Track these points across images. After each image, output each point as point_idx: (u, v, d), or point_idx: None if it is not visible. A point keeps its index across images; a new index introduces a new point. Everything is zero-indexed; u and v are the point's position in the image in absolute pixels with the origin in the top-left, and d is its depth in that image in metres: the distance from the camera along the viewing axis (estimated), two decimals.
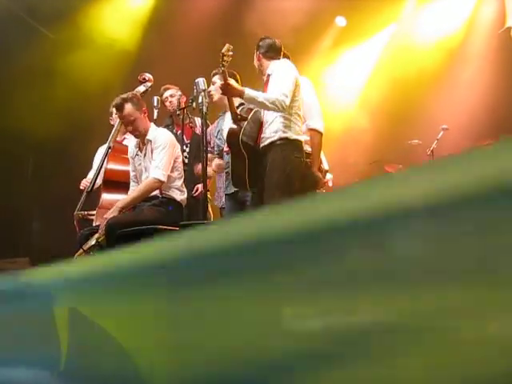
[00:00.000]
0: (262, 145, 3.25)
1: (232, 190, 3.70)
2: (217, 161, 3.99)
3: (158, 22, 6.54)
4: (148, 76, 4.34)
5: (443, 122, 5.53)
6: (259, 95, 3.11)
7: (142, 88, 4.25)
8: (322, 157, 3.61)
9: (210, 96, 3.80)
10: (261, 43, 3.39)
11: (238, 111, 3.39)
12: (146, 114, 3.58)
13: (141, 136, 3.60)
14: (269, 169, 3.15)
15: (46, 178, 6.40)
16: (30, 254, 6.46)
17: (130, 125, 3.54)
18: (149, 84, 4.29)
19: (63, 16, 5.97)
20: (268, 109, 3.15)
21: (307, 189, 3.26)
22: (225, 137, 3.51)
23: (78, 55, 6.05)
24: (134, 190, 3.59)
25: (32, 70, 5.85)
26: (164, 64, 5.88)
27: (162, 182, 3.48)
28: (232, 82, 3.23)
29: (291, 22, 6.50)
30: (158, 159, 3.48)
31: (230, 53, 3.16)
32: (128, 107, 3.50)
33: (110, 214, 3.39)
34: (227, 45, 3.16)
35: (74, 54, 6.05)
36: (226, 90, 3.15)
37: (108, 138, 4.07)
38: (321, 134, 3.47)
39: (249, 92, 3.10)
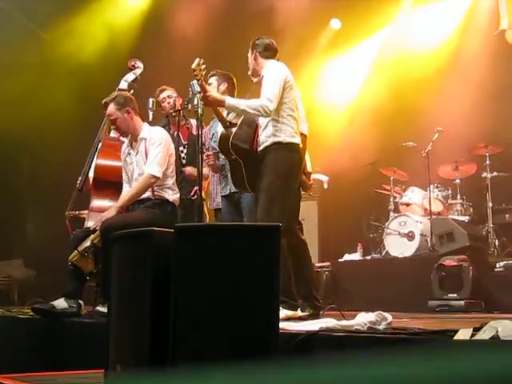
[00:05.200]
0: (259, 149, 3.24)
1: (227, 191, 3.73)
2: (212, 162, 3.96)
3: (153, 24, 6.54)
4: (138, 63, 4.27)
5: (438, 124, 5.53)
6: (241, 103, 3.10)
7: (131, 76, 4.17)
8: (307, 159, 3.58)
9: None
10: (258, 42, 3.35)
11: (228, 118, 3.37)
12: (130, 114, 3.53)
13: (128, 134, 3.61)
14: (264, 173, 3.13)
15: (41, 179, 6.38)
16: (24, 255, 6.44)
17: (112, 124, 3.63)
18: (138, 71, 4.22)
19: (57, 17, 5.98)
20: (251, 115, 3.15)
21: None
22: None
23: (72, 57, 6.04)
24: (131, 189, 3.55)
25: (25, 70, 5.84)
26: (159, 66, 5.88)
27: (157, 178, 3.46)
28: (212, 92, 3.20)
29: (286, 24, 6.51)
30: (153, 155, 3.47)
31: (203, 66, 3.09)
32: (110, 107, 3.53)
33: (108, 214, 3.38)
34: (197, 59, 3.07)
35: (67, 56, 6.04)
36: (207, 101, 3.13)
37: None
38: (305, 136, 3.46)
39: (229, 101, 3.12)
